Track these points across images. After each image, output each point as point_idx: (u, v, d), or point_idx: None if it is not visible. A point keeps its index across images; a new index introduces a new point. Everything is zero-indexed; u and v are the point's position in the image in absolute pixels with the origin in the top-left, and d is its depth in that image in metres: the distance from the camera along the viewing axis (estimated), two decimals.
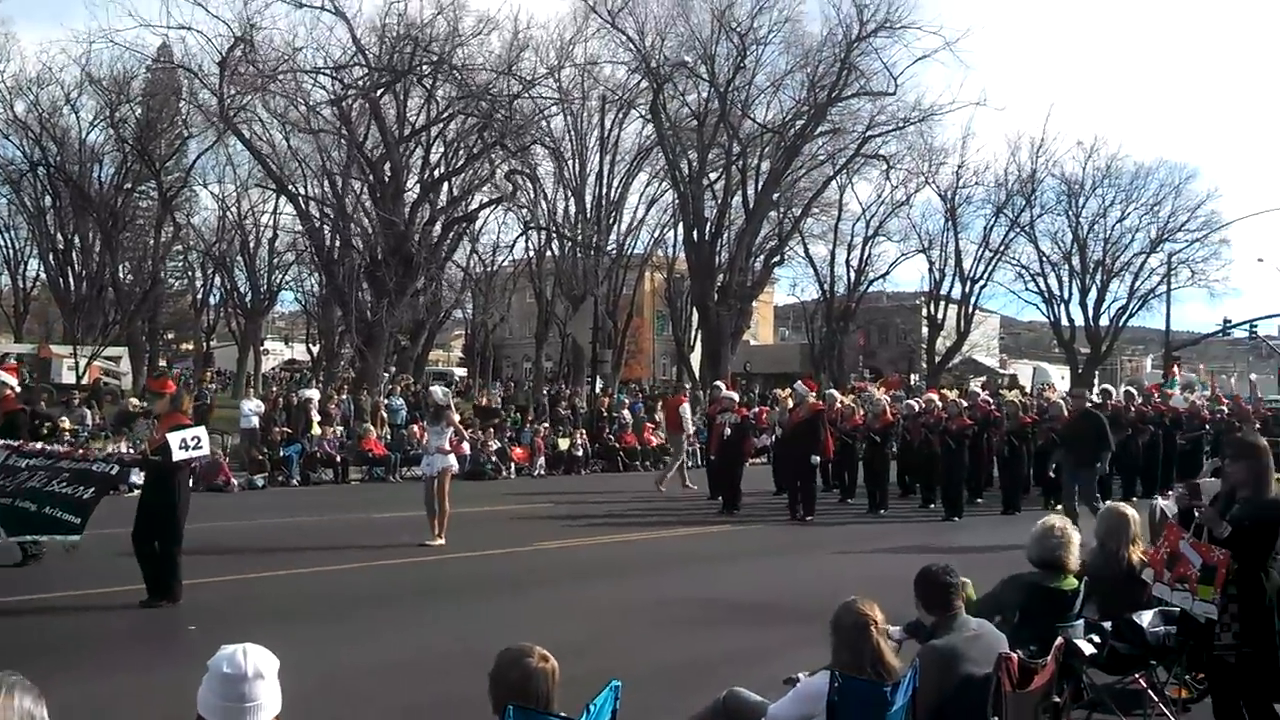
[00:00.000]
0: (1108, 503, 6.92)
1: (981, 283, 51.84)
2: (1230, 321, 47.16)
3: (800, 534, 15.18)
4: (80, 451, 11.11)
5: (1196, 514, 5.26)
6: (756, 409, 25.91)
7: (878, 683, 4.37)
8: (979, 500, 17.94)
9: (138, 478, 16.55)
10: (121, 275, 45.52)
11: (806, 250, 50.59)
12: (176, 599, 9.35)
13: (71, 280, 47.84)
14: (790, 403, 18.15)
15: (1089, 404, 16.53)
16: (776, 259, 47.08)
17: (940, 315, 52.21)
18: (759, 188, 42.73)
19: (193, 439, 9.52)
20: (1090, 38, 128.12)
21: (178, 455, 9.33)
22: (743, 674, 7.00)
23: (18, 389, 12.76)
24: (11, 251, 56.81)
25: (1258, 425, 23.00)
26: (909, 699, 4.43)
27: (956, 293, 51.90)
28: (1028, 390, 32.00)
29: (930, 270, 51.80)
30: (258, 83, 31.28)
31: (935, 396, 19.15)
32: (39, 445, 10.90)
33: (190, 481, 10.15)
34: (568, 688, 3.79)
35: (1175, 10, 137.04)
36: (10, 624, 8.67)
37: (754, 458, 20.72)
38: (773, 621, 9.14)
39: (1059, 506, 16.91)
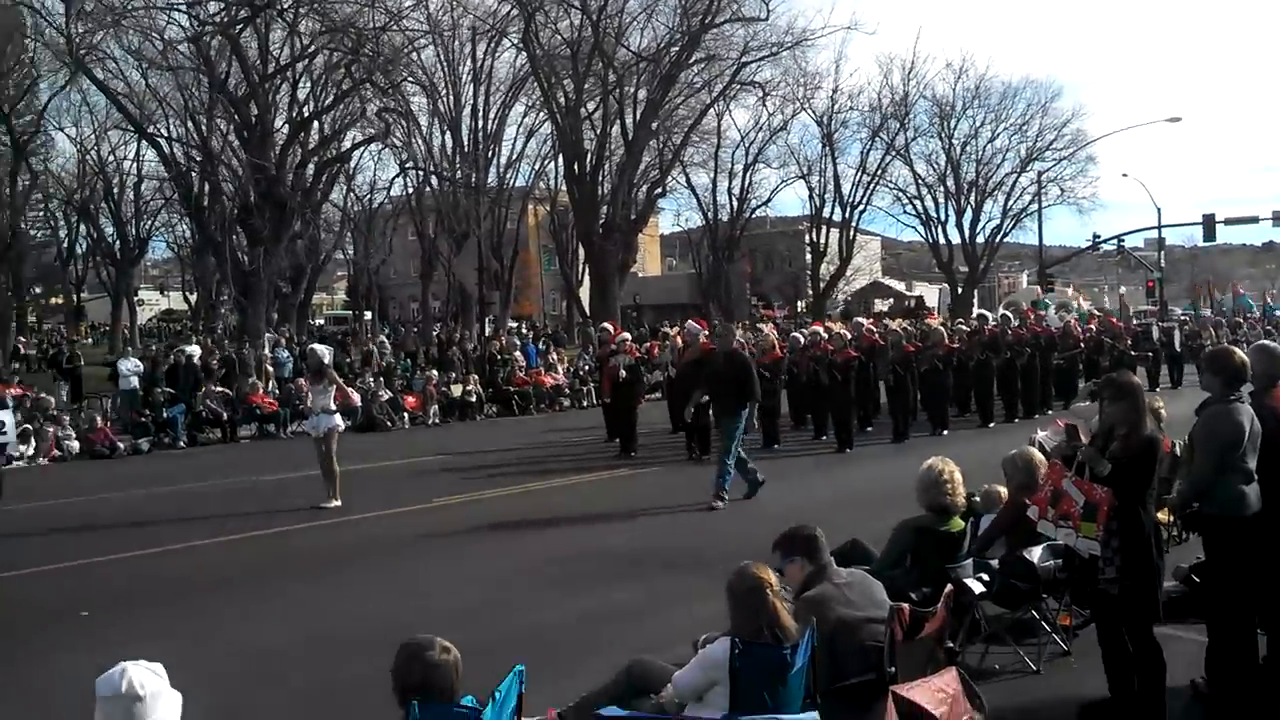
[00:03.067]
0: (1019, 448, 7.18)
1: (861, 207, 52.86)
2: (1099, 237, 48.88)
3: (697, 475, 15.34)
4: None
5: (1079, 454, 5.48)
6: (648, 344, 26.04)
7: (776, 645, 4.48)
8: (869, 429, 18.40)
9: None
10: None
11: (688, 179, 50.80)
12: None
13: None
14: (680, 342, 18.30)
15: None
16: (659, 190, 47.17)
17: (823, 241, 52.94)
18: (637, 118, 42.51)
19: None
20: None
21: None
22: (640, 630, 7.18)
23: None
24: None
25: (1128, 341, 24.07)
26: (809, 659, 4.55)
27: (838, 217, 52.68)
28: (936, 311, 32.47)
29: (811, 196, 52.54)
30: (108, 19, 29.65)
31: (820, 329, 19.45)
32: None
33: None
34: (469, 657, 3.83)
35: None
36: None
37: (648, 396, 20.83)
38: (669, 571, 9.20)
39: (945, 433, 17.60)
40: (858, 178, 52.22)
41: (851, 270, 55.10)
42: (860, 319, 21.62)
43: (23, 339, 38.14)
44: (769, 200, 53.84)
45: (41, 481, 16.61)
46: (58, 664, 7.02)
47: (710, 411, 14.45)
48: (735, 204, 51.42)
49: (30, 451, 19.18)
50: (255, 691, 6.40)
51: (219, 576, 9.58)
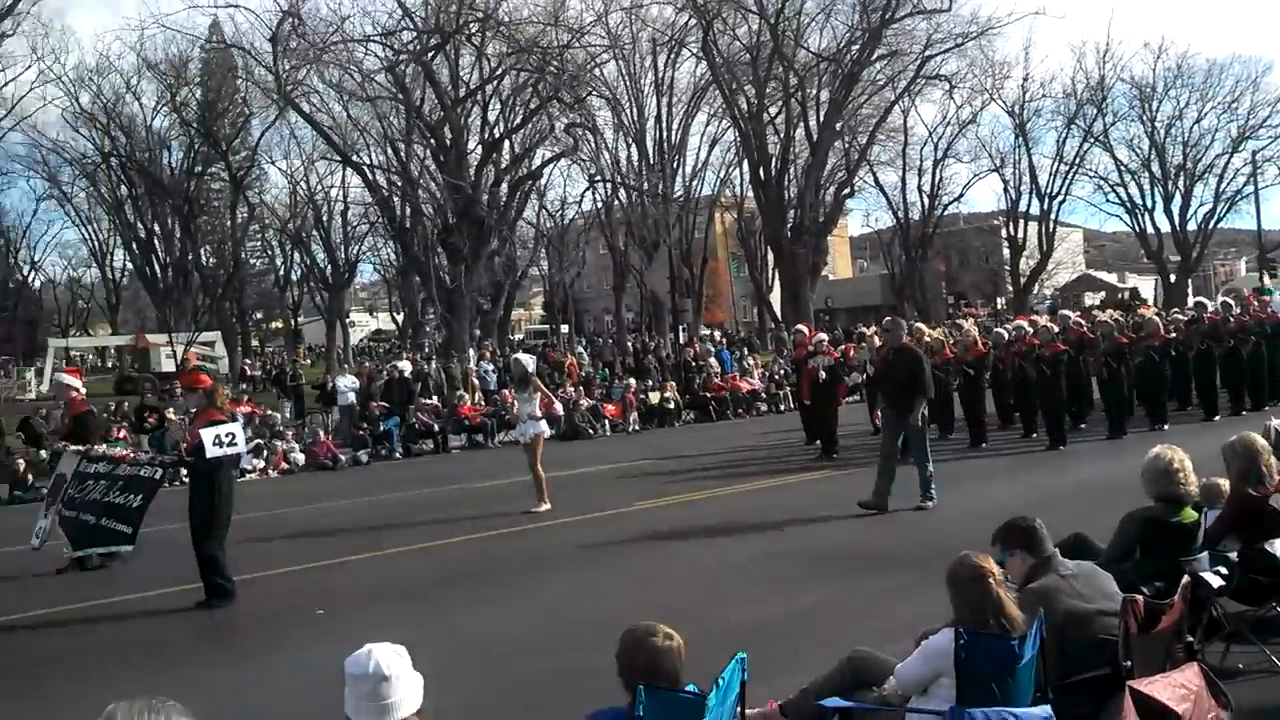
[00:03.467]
0: (1239, 434, 6.69)
1: (1060, 197, 50.80)
2: None
3: (902, 475, 15.10)
4: (132, 455, 11.43)
5: None
6: (842, 346, 25.72)
7: (1004, 636, 4.36)
8: (1082, 426, 17.63)
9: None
10: (204, 259, 46.50)
11: (876, 179, 50.00)
12: (228, 596, 9.12)
13: (157, 268, 49.16)
14: (878, 340, 18.01)
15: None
16: (847, 191, 46.58)
17: (1020, 234, 51.16)
18: (820, 119, 42.08)
19: (227, 435, 9.24)
20: None
21: (211, 453, 9.07)
22: (859, 625, 7.10)
23: (83, 391, 12.76)
24: (96, 244, 58.62)
25: None
26: (1037, 651, 4.42)
27: (1035, 210, 50.81)
28: (1150, 302, 30.83)
29: (1005, 189, 50.91)
30: (310, 55, 31.48)
31: (1025, 323, 18.79)
32: (102, 448, 11.42)
33: (231, 477, 9.73)
34: (687, 650, 3.89)
35: None
36: (82, 630, 8.77)
37: (848, 398, 20.54)
38: (884, 569, 9.09)
39: (1164, 427, 16.67)
40: (1054, 167, 50.28)
41: (1053, 264, 53.02)
42: (1066, 311, 20.78)
43: (248, 361, 40.77)
44: (961, 195, 52.52)
45: (272, 491, 17.76)
46: (300, 655, 7.50)
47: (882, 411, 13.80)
48: (926, 201, 50.30)
49: (261, 464, 20.50)
50: (481, 680, 6.65)
51: (442, 576, 10.00)
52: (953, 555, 4.68)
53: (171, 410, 21.42)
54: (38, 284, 64.12)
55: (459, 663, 6.91)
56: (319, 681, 6.49)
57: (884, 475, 11.76)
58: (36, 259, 61.57)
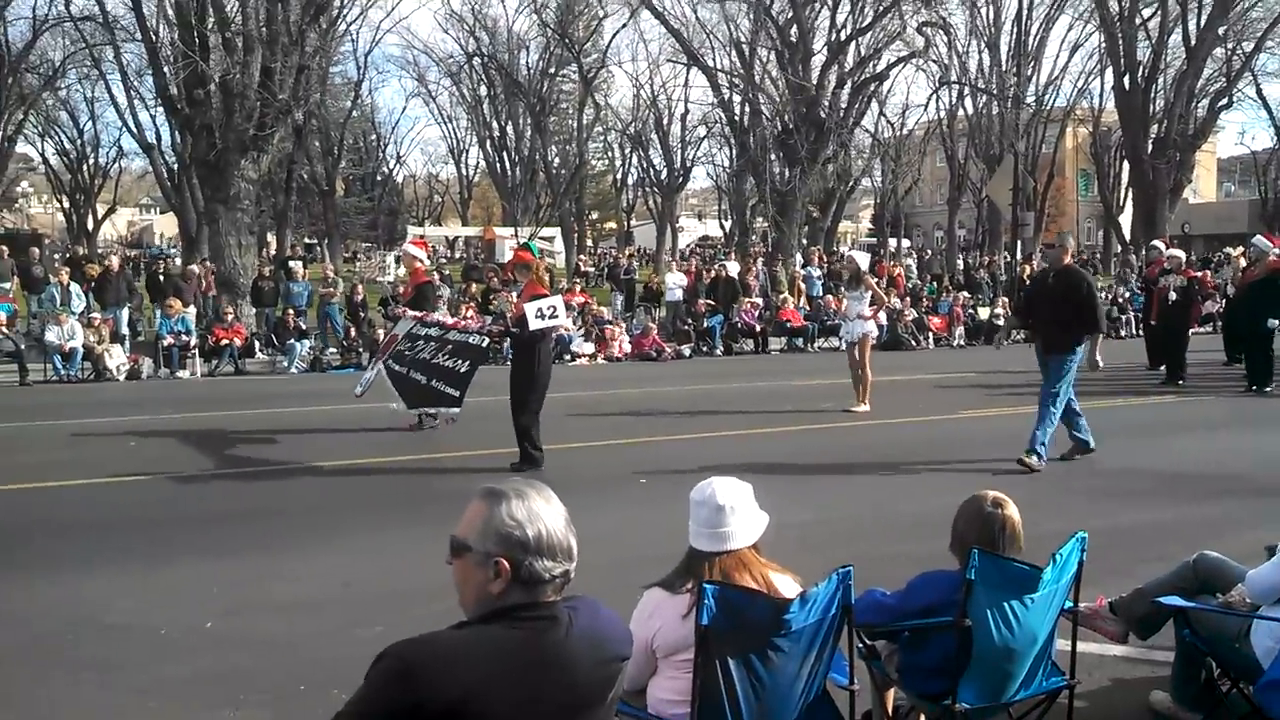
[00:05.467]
0: None
1: None
2: None
3: (1253, 406, 13.85)
4: (462, 323, 11.84)
5: None
6: (1200, 273, 23.69)
7: None
8: None
9: None
10: (550, 158, 48.76)
11: (1259, 91, 44.66)
12: (536, 464, 9.42)
13: (508, 165, 52.19)
14: (1243, 261, 16.43)
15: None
16: (1224, 102, 41.95)
17: None
18: (1201, 22, 38.08)
19: (549, 308, 9.46)
20: None
21: (534, 325, 9.35)
22: (1202, 543, 6.62)
23: (427, 263, 13.33)
24: (454, 142, 62.94)
25: None
26: None
27: None
28: None
29: None
30: None
31: None
32: (436, 316, 11.90)
33: (552, 350, 9.98)
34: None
35: None
36: (409, 479, 9.61)
37: (1199, 326, 18.96)
38: (1232, 493, 8.55)
39: None
40: None
41: None
42: None
43: (583, 257, 42.47)
44: None
45: (600, 376, 18.68)
46: (624, 513, 7.92)
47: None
48: None
49: (591, 350, 21.54)
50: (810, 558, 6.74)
51: (758, 462, 10.01)
52: None
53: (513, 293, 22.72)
54: (400, 177, 69.86)
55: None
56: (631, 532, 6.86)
57: (1070, 418, 10.08)
58: (401, 154, 67.07)
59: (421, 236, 35.55)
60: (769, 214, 33.50)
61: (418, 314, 11.57)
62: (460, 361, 10.86)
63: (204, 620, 5.74)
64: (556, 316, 9.67)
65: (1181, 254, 17.05)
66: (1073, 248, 10.60)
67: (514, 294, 11.17)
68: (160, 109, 30.44)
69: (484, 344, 11.35)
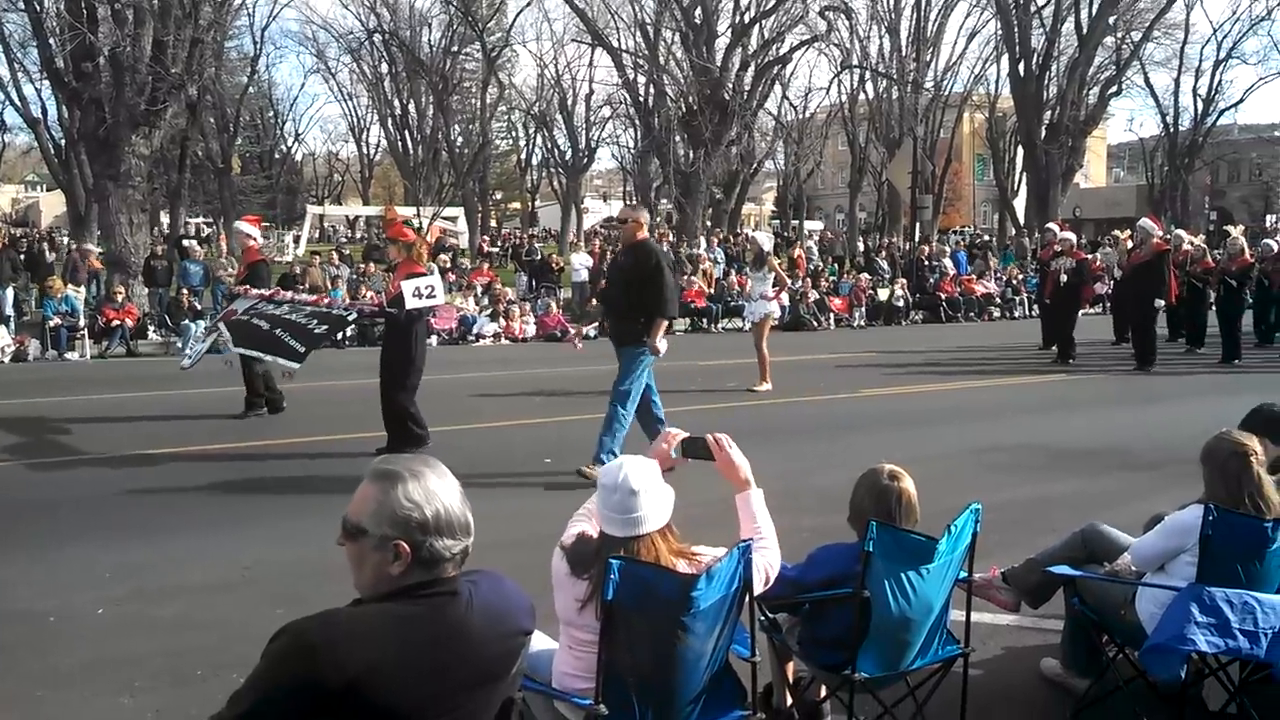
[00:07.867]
0: None
1: None
2: None
3: (1140, 384, 14.35)
4: (326, 301, 10.63)
5: None
6: (1091, 255, 24.42)
7: (1256, 517, 4.10)
8: None
9: None
10: (453, 138, 48.15)
11: (1147, 79, 46.34)
12: (422, 443, 8.98)
13: (409, 144, 51.45)
14: (1129, 244, 16.97)
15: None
16: (1113, 90, 43.27)
17: None
18: (1093, 11, 39.15)
19: (426, 288, 9.04)
20: None
21: (411, 304, 8.92)
22: (1091, 515, 6.83)
23: (260, 240, 12.29)
24: (355, 120, 61.83)
25: None
26: None
27: None
28: None
29: None
30: None
31: None
32: (288, 294, 10.90)
33: (426, 330, 9.51)
34: (928, 521, 3.86)
35: None
36: (261, 465, 9.10)
37: (1090, 307, 19.57)
38: (1114, 468, 8.84)
39: None
40: None
41: None
42: None
43: (486, 238, 42.06)
44: (1241, 101, 48.51)
45: (505, 356, 18.54)
46: (530, 494, 7.81)
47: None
48: (1200, 106, 46.45)
49: (497, 330, 21.38)
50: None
51: None
52: (1192, 459, 4.39)
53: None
54: (299, 156, 68.40)
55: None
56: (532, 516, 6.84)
57: None
58: (300, 131, 65.64)
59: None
60: (673, 195, 33.57)
61: (262, 291, 10.65)
62: (317, 323, 9.62)
63: (96, 607, 5.57)
64: (435, 296, 9.23)
65: (1073, 236, 17.52)
66: (648, 220, 9.11)
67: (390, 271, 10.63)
68: (46, 82, 29.26)
69: (350, 316, 10.33)
